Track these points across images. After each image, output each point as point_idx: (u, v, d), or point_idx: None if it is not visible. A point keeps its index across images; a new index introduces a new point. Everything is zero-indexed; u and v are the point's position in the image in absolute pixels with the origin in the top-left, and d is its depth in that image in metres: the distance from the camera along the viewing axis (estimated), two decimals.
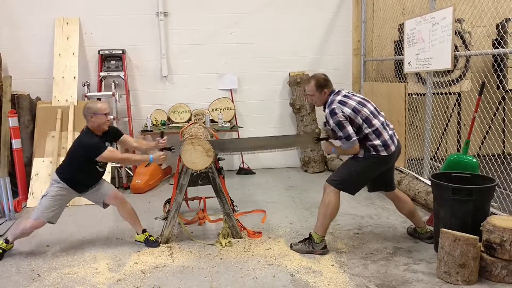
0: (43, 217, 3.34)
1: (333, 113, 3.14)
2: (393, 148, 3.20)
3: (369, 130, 3.15)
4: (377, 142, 3.15)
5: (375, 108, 3.27)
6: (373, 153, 3.17)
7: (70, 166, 3.39)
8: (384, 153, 3.16)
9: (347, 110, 3.14)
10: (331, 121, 3.14)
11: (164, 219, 4.04)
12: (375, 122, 3.18)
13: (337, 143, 3.35)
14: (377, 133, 3.16)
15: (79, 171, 3.37)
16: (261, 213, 4.27)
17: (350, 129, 3.11)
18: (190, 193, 4.23)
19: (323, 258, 3.23)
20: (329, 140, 3.43)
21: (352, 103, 3.18)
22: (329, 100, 3.25)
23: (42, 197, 3.38)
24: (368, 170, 3.23)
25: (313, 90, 3.29)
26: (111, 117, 3.53)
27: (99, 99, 5.60)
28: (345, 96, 3.24)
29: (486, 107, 4.71)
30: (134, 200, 4.76)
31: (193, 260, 3.26)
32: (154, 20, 5.89)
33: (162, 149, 3.55)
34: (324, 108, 3.30)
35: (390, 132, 3.25)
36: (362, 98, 3.28)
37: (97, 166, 3.41)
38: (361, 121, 3.15)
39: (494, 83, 4.88)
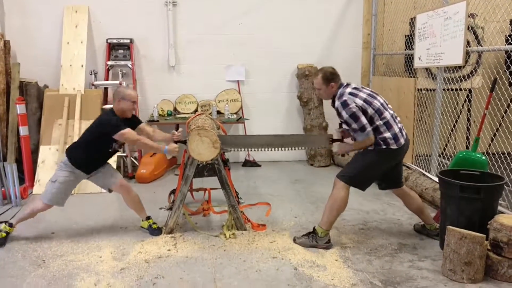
0: (51, 202, 3.41)
1: (345, 104, 3.09)
2: (402, 141, 3.17)
3: (380, 122, 3.12)
4: (387, 134, 3.12)
5: (384, 101, 3.24)
6: (384, 146, 3.14)
7: (83, 144, 3.41)
8: (394, 146, 3.13)
9: (359, 101, 3.10)
10: (343, 113, 3.10)
11: (168, 209, 4.05)
12: (386, 114, 3.15)
13: (349, 141, 3.33)
14: (388, 126, 3.13)
15: (91, 150, 3.38)
16: (266, 206, 4.26)
17: (364, 119, 3.07)
18: (195, 184, 4.23)
19: (327, 253, 3.21)
20: (344, 140, 3.42)
21: (363, 95, 3.15)
22: (338, 93, 3.20)
23: (51, 181, 3.42)
24: (379, 164, 3.20)
25: (320, 84, 3.25)
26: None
27: (106, 88, 5.62)
28: (354, 88, 3.20)
29: (497, 104, 4.65)
30: (139, 189, 4.74)
31: (197, 251, 3.26)
32: (163, 9, 5.86)
33: (176, 142, 3.55)
34: (333, 102, 3.25)
35: (400, 125, 3.22)
36: (371, 91, 3.25)
37: (111, 147, 3.43)
38: (372, 112, 3.10)
39: (506, 80, 4.80)
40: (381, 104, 3.17)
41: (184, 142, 3.51)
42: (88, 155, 3.40)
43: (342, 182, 3.20)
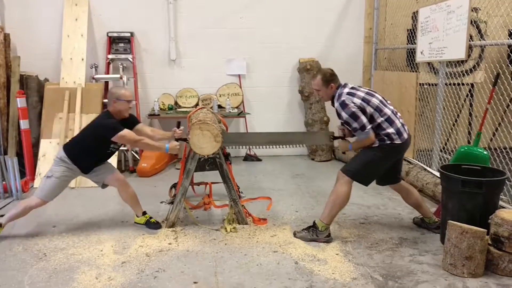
0: (46, 197, 3.38)
1: (344, 104, 3.11)
2: (405, 135, 3.18)
3: (382, 118, 3.13)
4: (390, 130, 3.13)
5: (383, 98, 3.25)
6: (388, 142, 3.14)
7: (81, 144, 3.38)
8: (398, 141, 3.14)
9: (357, 101, 3.11)
10: (343, 113, 3.11)
11: (169, 203, 4.05)
12: (386, 110, 3.16)
13: (350, 139, 3.35)
14: (390, 121, 3.14)
15: (90, 151, 3.35)
16: (267, 200, 4.26)
17: (364, 118, 3.08)
18: (196, 178, 4.23)
19: (328, 247, 3.21)
20: (345, 138, 3.43)
21: (361, 94, 3.16)
22: (336, 94, 3.22)
23: (47, 177, 3.38)
24: (383, 160, 3.19)
25: (319, 85, 3.26)
26: (133, 103, 3.50)
27: (107, 82, 5.61)
28: (352, 88, 3.22)
29: (499, 99, 4.62)
30: (140, 183, 4.78)
31: (198, 245, 3.27)
32: (164, 2, 5.82)
33: (177, 139, 3.51)
34: (332, 102, 3.27)
35: (401, 120, 3.24)
36: (369, 89, 3.27)
37: (110, 149, 3.41)
38: (372, 110, 3.12)
39: (509, 74, 4.77)
40: (380, 101, 3.18)
41: (185, 140, 3.48)
42: (88, 157, 3.37)
43: (346, 177, 3.20)
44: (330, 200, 3.25)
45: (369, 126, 3.09)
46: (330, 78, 3.24)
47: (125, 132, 3.28)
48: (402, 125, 3.21)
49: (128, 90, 3.48)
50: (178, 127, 3.58)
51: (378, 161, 3.19)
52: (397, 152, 3.22)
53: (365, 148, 3.24)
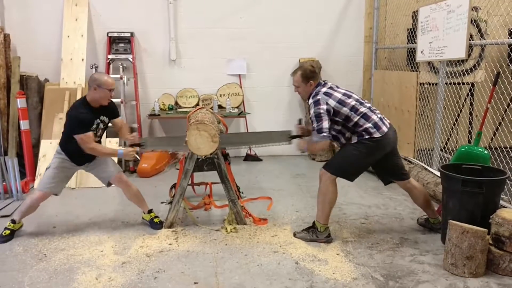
0: (47, 189, 3.38)
1: (316, 103, 3.11)
2: (385, 128, 3.14)
3: (358, 116, 3.12)
4: (368, 125, 3.12)
5: (359, 98, 3.25)
6: (367, 136, 3.12)
7: (66, 135, 3.36)
8: (377, 135, 3.11)
9: (332, 102, 3.11)
10: (312, 111, 3.12)
11: (170, 203, 4.04)
12: (362, 109, 3.15)
13: (307, 139, 3.38)
14: (366, 117, 3.13)
15: (72, 144, 3.30)
16: (267, 200, 4.26)
17: (325, 124, 3.07)
18: (197, 178, 4.23)
19: (329, 247, 3.21)
20: (303, 138, 3.47)
21: (338, 95, 3.15)
22: (314, 92, 3.21)
23: (46, 169, 3.43)
24: (364, 155, 3.15)
25: (299, 81, 3.25)
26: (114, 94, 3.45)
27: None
28: (330, 88, 3.21)
29: (500, 98, 4.62)
30: (140, 184, 4.77)
31: (198, 245, 3.26)
32: (164, 2, 5.82)
33: (132, 145, 3.47)
34: (308, 99, 3.25)
35: (379, 115, 3.22)
36: (346, 90, 3.26)
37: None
38: (348, 111, 3.11)
39: (509, 74, 4.77)
40: (356, 100, 3.18)
41: (139, 145, 3.48)
42: (72, 149, 3.33)
43: (328, 173, 3.20)
44: (319, 200, 3.25)
45: (325, 133, 3.07)
46: (310, 75, 3.22)
47: (83, 136, 3.20)
48: (380, 119, 3.18)
49: (111, 78, 3.34)
50: (131, 133, 3.56)
51: (359, 157, 3.15)
52: (380, 147, 3.16)
53: (346, 143, 3.21)
